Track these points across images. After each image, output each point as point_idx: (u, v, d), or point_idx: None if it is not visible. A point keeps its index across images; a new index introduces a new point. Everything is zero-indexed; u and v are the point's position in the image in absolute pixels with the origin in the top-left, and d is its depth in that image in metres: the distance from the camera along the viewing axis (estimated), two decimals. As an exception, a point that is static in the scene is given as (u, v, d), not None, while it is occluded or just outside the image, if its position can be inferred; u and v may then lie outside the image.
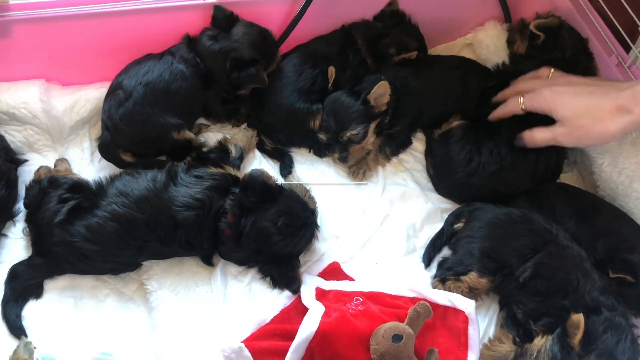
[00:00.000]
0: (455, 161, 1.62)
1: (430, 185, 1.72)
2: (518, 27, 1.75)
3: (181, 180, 1.44)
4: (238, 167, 1.59)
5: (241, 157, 1.61)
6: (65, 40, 1.62)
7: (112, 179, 1.46)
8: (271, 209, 1.40)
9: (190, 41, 1.64)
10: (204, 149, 1.58)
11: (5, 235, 1.49)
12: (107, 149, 1.57)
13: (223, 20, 1.61)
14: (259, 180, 1.41)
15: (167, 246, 1.41)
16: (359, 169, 1.69)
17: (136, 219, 1.37)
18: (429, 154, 1.75)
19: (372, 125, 1.63)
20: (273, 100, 1.69)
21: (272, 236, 1.38)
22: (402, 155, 1.76)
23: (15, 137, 1.63)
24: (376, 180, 1.69)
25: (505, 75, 1.72)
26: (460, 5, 1.89)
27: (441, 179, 1.69)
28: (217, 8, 1.61)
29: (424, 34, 1.81)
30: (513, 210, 1.49)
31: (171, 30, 1.65)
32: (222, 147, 1.59)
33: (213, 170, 1.49)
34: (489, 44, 1.88)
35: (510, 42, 1.80)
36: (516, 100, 1.53)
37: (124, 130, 1.52)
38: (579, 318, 1.18)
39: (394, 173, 1.72)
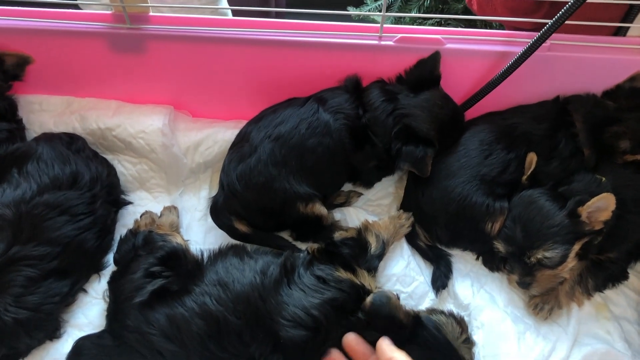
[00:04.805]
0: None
1: (647, 348, 1.18)
2: None
3: (298, 279, 1.08)
4: (375, 270, 1.17)
5: (381, 255, 1.20)
6: (204, 65, 1.35)
7: (216, 256, 1.15)
8: (404, 353, 0.98)
9: (356, 88, 1.28)
10: (336, 237, 1.18)
11: (85, 292, 1.23)
12: (218, 212, 1.25)
13: (423, 74, 1.27)
14: (383, 312, 0.98)
15: (261, 372, 1.04)
16: (544, 303, 1.21)
17: (229, 324, 1.03)
18: (652, 303, 1.21)
19: (576, 247, 1.14)
20: (443, 183, 1.26)
21: (401, 394, 0.96)
22: (609, 293, 1.26)
23: (127, 170, 1.38)
24: (565, 325, 1.19)
25: None
26: None
27: (668, 348, 1.14)
28: (434, 57, 1.27)
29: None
30: None
31: (334, 71, 1.30)
32: (359, 239, 1.18)
33: (341, 274, 1.09)
34: None
35: None
36: None
37: (240, 193, 1.19)
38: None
39: (594, 319, 1.22)
